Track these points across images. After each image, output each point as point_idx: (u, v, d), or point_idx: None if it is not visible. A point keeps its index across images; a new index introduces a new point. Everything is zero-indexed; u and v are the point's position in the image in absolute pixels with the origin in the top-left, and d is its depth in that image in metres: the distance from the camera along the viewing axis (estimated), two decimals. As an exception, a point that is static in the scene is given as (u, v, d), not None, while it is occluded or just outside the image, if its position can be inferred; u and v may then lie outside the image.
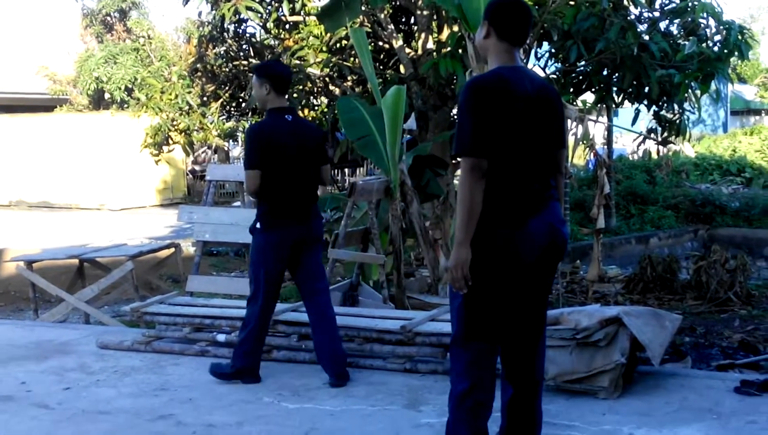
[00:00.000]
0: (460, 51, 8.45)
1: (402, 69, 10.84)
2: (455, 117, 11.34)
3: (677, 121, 10.17)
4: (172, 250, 10.08)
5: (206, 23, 12.72)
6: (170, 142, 13.81)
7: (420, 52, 10.80)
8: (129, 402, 5.24)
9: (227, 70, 12.65)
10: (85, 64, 26.85)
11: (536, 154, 3.62)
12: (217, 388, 5.46)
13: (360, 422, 4.74)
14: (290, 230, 5.46)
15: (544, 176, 3.66)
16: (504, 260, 3.51)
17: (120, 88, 25.86)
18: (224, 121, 13.87)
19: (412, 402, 5.08)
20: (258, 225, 5.48)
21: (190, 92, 13.27)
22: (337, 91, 11.41)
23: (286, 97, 5.77)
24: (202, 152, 27.09)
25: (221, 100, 13.05)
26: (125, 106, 24.81)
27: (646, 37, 9.20)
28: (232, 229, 7.83)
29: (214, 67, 12.80)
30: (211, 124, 13.45)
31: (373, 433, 4.55)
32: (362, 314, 6.34)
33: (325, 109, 12.11)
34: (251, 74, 10.73)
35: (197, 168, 27.14)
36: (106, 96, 26.83)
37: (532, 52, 10.06)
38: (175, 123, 13.59)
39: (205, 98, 13.11)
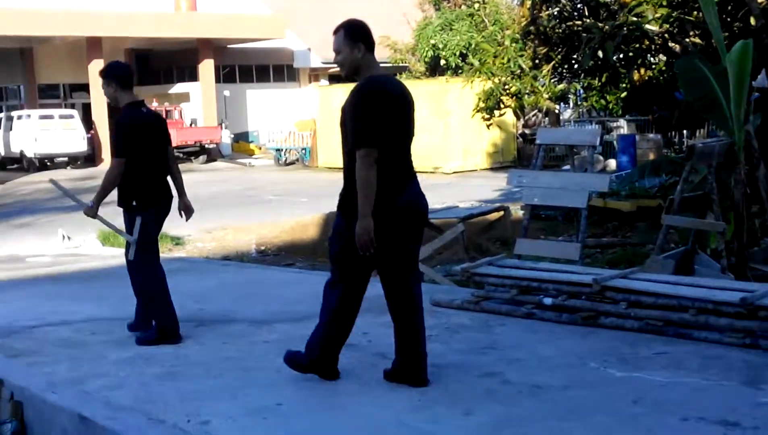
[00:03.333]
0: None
1: (752, 20, 10.02)
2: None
3: None
4: (502, 213, 10.19)
5: (540, -15, 12.61)
6: (501, 106, 13.93)
7: (774, 0, 9.92)
8: (458, 358, 5.39)
9: (560, 31, 12.46)
10: (422, 32, 27.84)
11: (405, 141, 4.68)
12: (543, 351, 5.47)
13: (691, 395, 4.51)
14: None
15: (409, 156, 4.73)
16: (401, 218, 4.63)
17: (455, 55, 26.50)
18: (555, 83, 13.71)
19: (751, 379, 4.73)
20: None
21: (522, 56, 13.26)
22: (677, 47, 10.82)
23: None
24: (533, 115, 27.11)
25: (553, 62, 12.92)
26: (459, 72, 25.43)
27: None
28: (561, 194, 7.73)
29: (547, 29, 12.66)
30: (542, 87, 13.36)
31: (705, 409, 4.31)
32: (698, 284, 6.01)
33: (663, 68, 11.54)
34: (585, 35, 10.50)
35: (527, 131, 27.20)
36: (442, 62, 27.65)
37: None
38: (506, 87, 13.67)
39: (537, 61, 13.02)
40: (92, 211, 6.05)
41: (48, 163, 30.32)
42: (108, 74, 6.07)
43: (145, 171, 6.00)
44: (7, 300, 7.88)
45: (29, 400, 4.91)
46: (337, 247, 4.73)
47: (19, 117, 30.75)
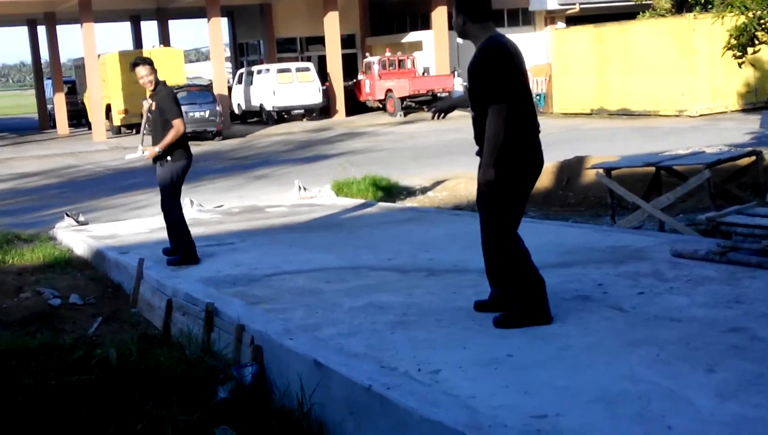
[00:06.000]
0: None
1: None
2: None
3: None
4: (753, 158, 9.52)
5: None
6: (756, 42, 12.92)
7: None
8: (701, 311, 5.09)
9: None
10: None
11: (530, 96, 5.06)
12: (801, 307, 5.03)
13: None
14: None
15: (534, 111, 5.12)
16: (531, 170, 5.00)
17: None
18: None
19: None
20: None
21: (780, -13, 12.18)
22: None
23: None
24: (792, 51, 25.02)
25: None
26: (709, 7, 23.86)
27: None
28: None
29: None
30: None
31: None
32: None
33: None
34: None
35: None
36: (690, -2, 26.05)
37: None
38: (762, 21, 12.66)
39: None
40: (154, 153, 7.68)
41: (285, 116, 31.67)
42: (150, 62, 7.77)
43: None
44: (248, 249, 8.31)
45: (268, 344, 5.12)
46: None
47: (259, 71, 32.26)
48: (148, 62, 7.82)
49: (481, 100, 4.90)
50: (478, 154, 5.08)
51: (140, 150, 7.87)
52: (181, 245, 7.78)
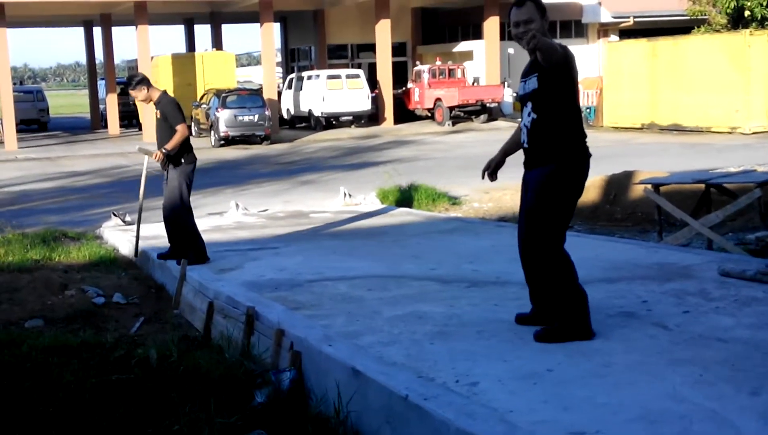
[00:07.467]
0: None
1: None
2: None
3: None
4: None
5: None
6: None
7: None
8: (748, 333, 4.99)
9: None
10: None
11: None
12: None
13: None
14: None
15: None
16: (585, 175, 5.00)
17: (762, 5, 24.51)
18: None
19: None
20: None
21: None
22: None
23: None
24: None
25: None
26: (766, 23, 23.53)
27: None
28: None
29: None
30: None
31: None
32: None
33: None
34: None
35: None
36: (746, 14, 25.66)
37: None
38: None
39: None
40: (162, 155, 7.83)
41: (333, 122, 31.74)
42: (142, 81, 8.04)
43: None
44: (291, 254, 8.34)
45: (307, 350, 5.12)
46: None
47: (309, 77, 32.44)
48: (138, 82, 8.03)
49: (554, 100, 4.86)
50: (526, 165, 5.05)
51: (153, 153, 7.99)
52: (193, 246, 7.91)
